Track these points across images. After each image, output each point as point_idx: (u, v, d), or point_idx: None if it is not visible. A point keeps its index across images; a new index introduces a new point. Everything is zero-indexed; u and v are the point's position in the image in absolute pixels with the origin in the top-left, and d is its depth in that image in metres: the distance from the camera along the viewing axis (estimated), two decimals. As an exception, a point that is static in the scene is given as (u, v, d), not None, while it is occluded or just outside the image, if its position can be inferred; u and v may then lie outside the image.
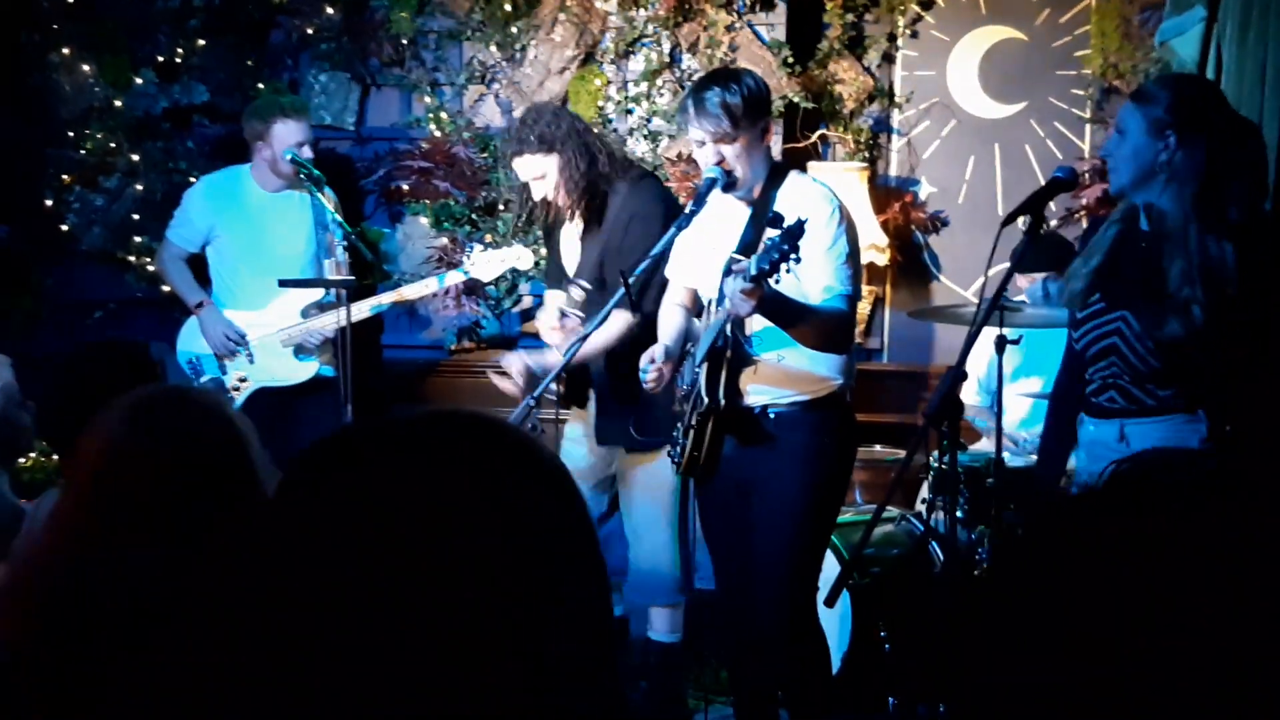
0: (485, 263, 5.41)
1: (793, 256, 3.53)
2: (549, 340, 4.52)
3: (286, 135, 5.40)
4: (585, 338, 4.37)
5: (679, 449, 3.99)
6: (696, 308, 4.20)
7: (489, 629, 0.96)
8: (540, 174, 4.60)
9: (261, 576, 0.98)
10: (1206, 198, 3.36)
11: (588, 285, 4.58)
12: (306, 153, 5.42)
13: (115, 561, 1.84)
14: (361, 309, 5.34)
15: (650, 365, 3.92)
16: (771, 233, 3.60)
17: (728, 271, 3.81)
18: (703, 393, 3.85)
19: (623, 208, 4.64)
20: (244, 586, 0.99)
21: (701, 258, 4.02)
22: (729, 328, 3.79)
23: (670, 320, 4.17)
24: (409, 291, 5.47)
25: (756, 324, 3.83)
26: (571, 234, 4.81)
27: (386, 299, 5.42)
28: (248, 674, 0.96)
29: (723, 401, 3.83)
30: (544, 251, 5.17)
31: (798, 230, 3.51)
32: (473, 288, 6.14)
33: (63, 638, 1.79)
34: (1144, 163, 3.45)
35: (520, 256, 5.46)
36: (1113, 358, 3.50)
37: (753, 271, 3.56)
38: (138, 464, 1.92)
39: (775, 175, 3.95)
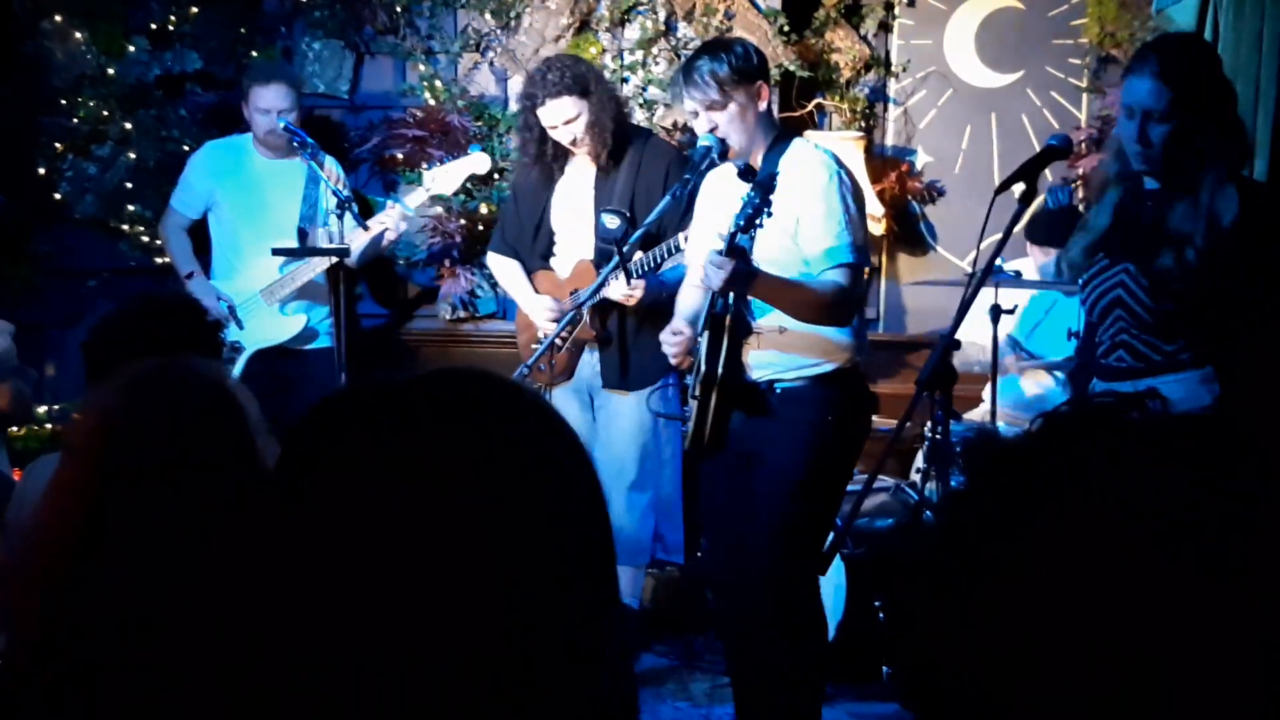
0: (444, 175, 5.42)
1: (766, 210, 3.57)
2: (619, 296, 4.64)
3: (258, 100, 5.39)
4: (580, 306, 4.38)
5: (687, 420, 4.00)
6: None
7: (504, 590, 0.95)
8: (574, 115, 4.73)
9: (271, 546, 0.97)
10: (1210, 157, 3.36)
11: (623, 211, 4.68)
12: (292, 120, 5.38)
13: (114, 537, 1.84)
14: (349, 260, 5.29)
15: (674, 336, 3.94)
16: (746, 188, 3.62)
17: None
18: (703, 362, 3.84)
19: (657, 152, 4.80)
20: (253, 559, 0.97)
21: (711, 231, 4.00)
22: (730, 294, 3.78)
23: (687, 300, 4.16)
24: (382, 219, 5.39)
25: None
26: (577, 179, 4.89)
27: (360, 240, 5.35)
28: (253, 647, 0.95)
29: (721, 370, 3.82)
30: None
31: (769, 184, 3.55)
32: (468, 257, 6.12)
33: (65, 614, 1.78)
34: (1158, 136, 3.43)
35: (476, 162, 5.48)
36: (1118, 311, 3.49)
37: (731, 228, 3.58)
38: (136, 437, 1.91)
39: (777, 142, 3.93)
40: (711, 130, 3.85)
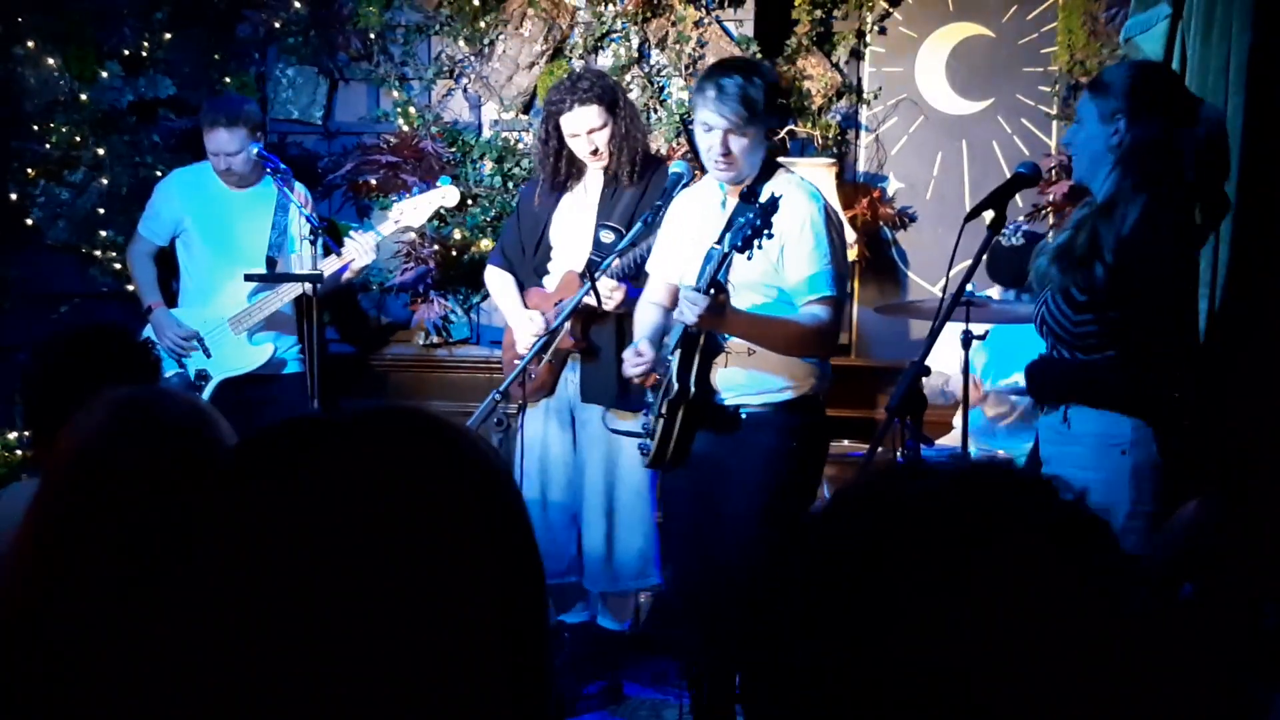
0: (413, 209, 5.41)
1: (766, 232, 3.53)
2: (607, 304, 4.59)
3: (208, 144, 5.40)
4: (554, 332, 4.38)
5: (650, 438, 3.98)
6: (672, 300, 4.20)
7: (418, 629, 0.95)
8: (599, 125, 4.71)
9: (205, 565, 0.98)
10: (1146, 177, 3.39)
11: (619, 227, 4.65)
12: (238, 162, 5.38)
13: (99, 554, 1.83)
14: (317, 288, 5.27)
15: (637, 358, 3.92)
16: (745, 209, 3.59)
17: (708, 257, 3.83)
18: (674, 380, 3.83)
19: (664, 177, 4.73)
20: (233, 566, 0.98)
21: (686, 250, 4.00)
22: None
23: (647, 317, 4.16)
24: (350, 249, 5.36)
25: None
26: (583, 194, 4.89)
27: (331, 265, 5.33)
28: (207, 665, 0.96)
29: (693, 389, 3.82)
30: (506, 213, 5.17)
31: (771, 206, 3.52)
32: (442, 283, 6.12)
33: (41, 639, 1.78)
34: (1096, 149, 3.49)
35: (445, 195, 5.47)
36: (1045, 328, 3.54)
37: (725, 248, 3.56)
38: (119, 463, 1.90)
39: (766, 171, 3.94)
40: (724, 154, 3.82)
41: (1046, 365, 3.58)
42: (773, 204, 3.53)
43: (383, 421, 1.05)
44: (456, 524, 0.99)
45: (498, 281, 5.13)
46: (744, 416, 3.88)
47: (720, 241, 3.83)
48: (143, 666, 1.58)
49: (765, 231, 3.54)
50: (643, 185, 4.76)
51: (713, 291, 3.60)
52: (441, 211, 5.68)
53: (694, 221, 3.95)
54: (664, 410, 3.86)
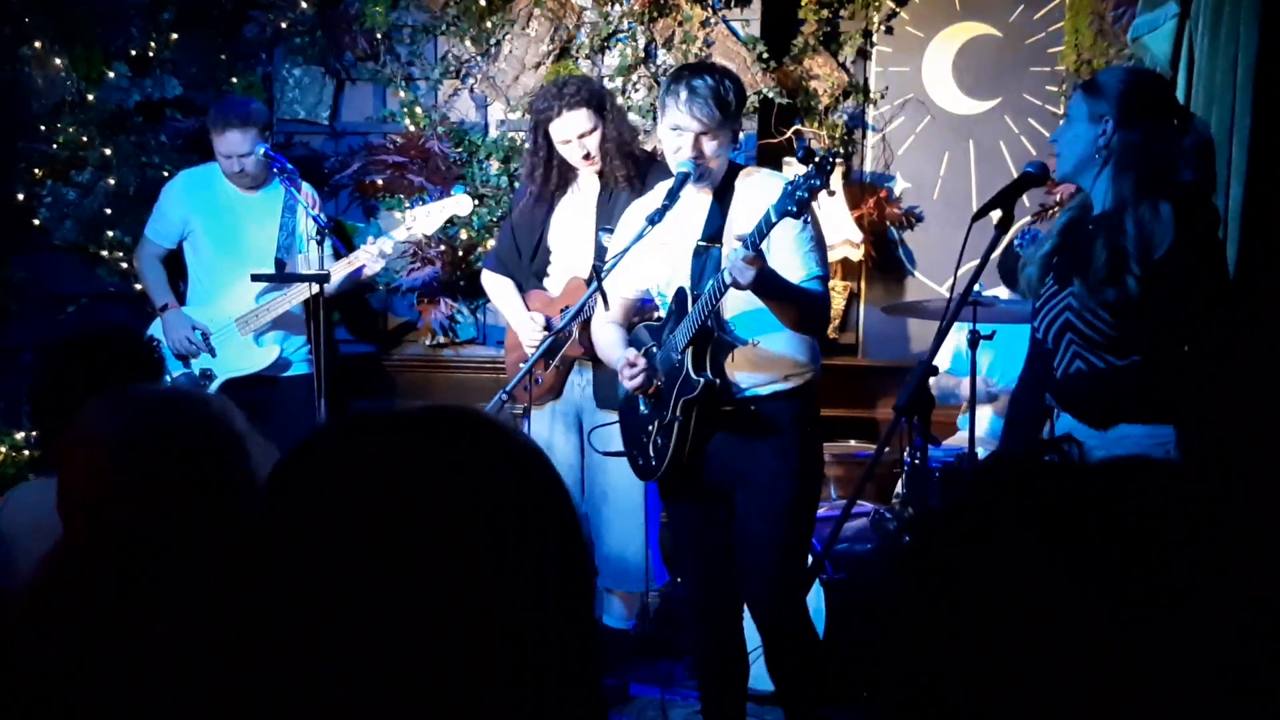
0: (425, 216, 5.41)
1: (827, 189, 3.51)
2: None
3: (217, 145, 5.39)
4: (559, 331, 4.37)
5: (649, 449, 3.95)
6: (628, 319, 4.19)
7: (482, 618, 0.96)
8: (589, 129, 4.72)
9: (259, 570, 0.98)
10: (1145, 180, 3.38)
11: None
12: (251, 163, 5.38)
13: (107, 559, 1.83)
14: (327, 289, 5.26)
15: (633, 368, 3.88)
16: (799, 170, 3.52)
17: (697, 255, 3.82)
18: (691, 374, 3.79)
19: (662, 176, 4.71)
20: (242, 580, 0.99)
21: (656, 254, 3.97)
22: (711, 310, 3.74)
23: (611, 336, 4.11)
24: (361, 255, 5.38)
25: (732, 309, 3.81)
26: (579, 198, 4.88)
27: (340, 270, 5.34)
28: (246, 669, 0.96)
29: (717, 380, 3.78)
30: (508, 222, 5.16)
31: (829, 162, 3.47)
32: (449, 284, 6.13)
33: (54, 638, 1.78)
34: (1083, 149, 3.48)
35: (459, 204, 5.47)
36: (1069, 334, 3.51)
37: (771, 219, 3.52)
38: (133, 462, 1.90)
39: (733, 169, 3.94)
40: (695, 157, 3.80)
41: (1084, 383, 3.54)
42: (831, 160, 3.48)
43: (385, 426, 1.05)
44: (446, 528, 0.99)
45: (496, 285, 5.14)
46: (753, 410, 3.86)
47: (708, 238, 3.83)
48: (143, 666, 1.58)
49: (828, 189, 3.52)
50: (640, 186, 4.72)
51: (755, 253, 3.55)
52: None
53: (666, 220, 3.91)
54: (679, 412, 3.82)
